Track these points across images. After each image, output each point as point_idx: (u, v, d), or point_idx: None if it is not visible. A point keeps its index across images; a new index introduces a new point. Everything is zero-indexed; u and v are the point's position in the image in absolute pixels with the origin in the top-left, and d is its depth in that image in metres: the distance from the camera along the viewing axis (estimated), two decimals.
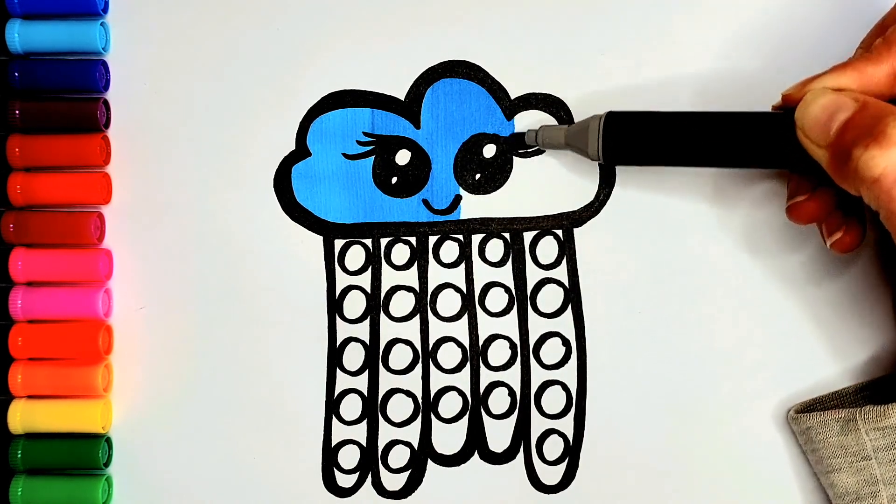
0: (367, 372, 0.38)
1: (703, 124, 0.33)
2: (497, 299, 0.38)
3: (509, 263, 0.38)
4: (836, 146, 0.30)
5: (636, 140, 0.34)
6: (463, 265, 0.38)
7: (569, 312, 0.38)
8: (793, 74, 0.34)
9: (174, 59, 0.39)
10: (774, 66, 0.37)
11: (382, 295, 0.38)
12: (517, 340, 0.38)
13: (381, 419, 0.38)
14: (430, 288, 0.38)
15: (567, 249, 0.38)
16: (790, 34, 0.37)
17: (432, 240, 0.38)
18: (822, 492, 0.37)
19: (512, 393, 0.38)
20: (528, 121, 0.38)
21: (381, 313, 0.38)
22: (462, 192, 0.38)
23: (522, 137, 0.38)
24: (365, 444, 0.38)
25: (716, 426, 0.38)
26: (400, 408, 0.38)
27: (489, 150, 0.38)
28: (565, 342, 0.38)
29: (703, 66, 0.38)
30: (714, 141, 0.33)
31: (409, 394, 0.38)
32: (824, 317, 0.38)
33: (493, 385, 0.38)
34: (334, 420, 0.38)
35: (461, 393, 0.38)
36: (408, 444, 0.38)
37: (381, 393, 0.38)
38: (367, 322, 0.38)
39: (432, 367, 0.38)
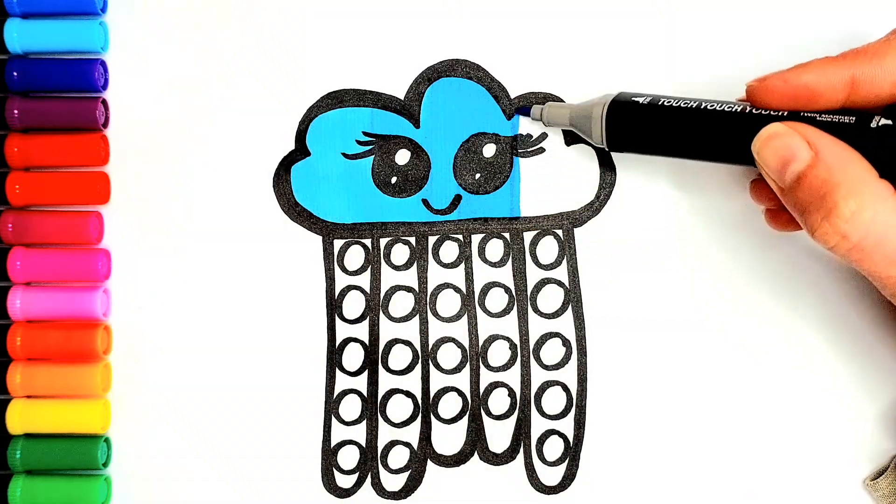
0: (366, 372, 0.38)
1: (706, 119, 0.32)
2: (497, 299, 0.38)
3: (509, 263, 0.38)
4: (790, 199, 0.30)
5: (638, 131, 0.34)
6: (463, 265, 0.38)
7: (569, 313, 0.38)
8: None
9: (174, 59, 0.38)
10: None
11: (382, 295, 0.38)
12: (517, 341, 0.38)
13: (380, 420, 0.38)
14: (430, 288, 0.38)
15: (567, 249, 0.38)
16: (791, 38, 0.38)
17: (432, 240, 0.38)
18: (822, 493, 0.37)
19: (512, 393, 0.38)
20: (527, 120, 0.38)
21: (381, 313, 0.38)
22: (462, 191, 0.38)
23: (523, 137, 0.38)
24: (364, 445, 0.38)
25: (716, 426, 0.38)
26: (399, 408, 0.38)
27: (489, 150, 0.38)
28: (566, 342, 0.38)
29: (705, 66, 0.38)
30: (716, 137, 0.32)
31: (408, 394, 0.38)
32: (826, 313, 0.37)
33: (493, 385, 0.38)
34: (334, 420, 0.38)
35: (461, 393, 0.38)
36: (407, 444, 0.38)
37: (381, 393, 0.38)
38: (366, 322, 0.38)
39: (432, 368, 0.38)
